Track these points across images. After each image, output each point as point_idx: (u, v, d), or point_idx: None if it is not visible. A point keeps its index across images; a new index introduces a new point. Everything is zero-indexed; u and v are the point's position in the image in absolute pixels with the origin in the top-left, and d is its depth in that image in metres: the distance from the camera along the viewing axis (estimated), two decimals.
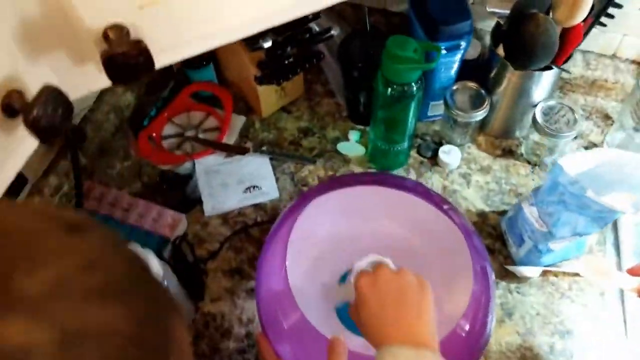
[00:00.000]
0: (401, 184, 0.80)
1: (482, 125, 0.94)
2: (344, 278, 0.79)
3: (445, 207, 0.77)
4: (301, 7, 0.50)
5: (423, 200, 0.77)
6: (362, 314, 0.59)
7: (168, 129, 0.97)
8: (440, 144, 0.96)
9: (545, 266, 0.83)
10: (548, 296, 0.84)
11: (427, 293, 0.59)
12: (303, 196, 0.80)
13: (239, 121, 0.98)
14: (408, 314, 0.56)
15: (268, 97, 0.96)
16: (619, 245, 0.87)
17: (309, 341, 0.71)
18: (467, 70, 0.92)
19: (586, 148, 0.96)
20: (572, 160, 0.69)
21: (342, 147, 0.95)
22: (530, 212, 0.78)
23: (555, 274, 0.85)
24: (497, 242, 0.88)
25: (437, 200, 0.78)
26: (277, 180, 0.93)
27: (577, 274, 0.85)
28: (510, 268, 0.85)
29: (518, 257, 0.84)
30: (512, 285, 0.84)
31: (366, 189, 0.79)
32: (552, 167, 0.73)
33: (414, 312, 0.56)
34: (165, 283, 0.70)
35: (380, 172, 0.93)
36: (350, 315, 0.63)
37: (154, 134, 0.94)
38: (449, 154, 0.93)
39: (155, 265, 0.67)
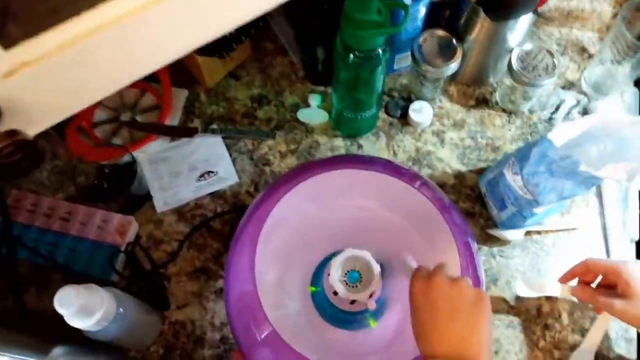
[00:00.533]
0: (371, 164, 0.71)
1: (454, 74, 0.84)
2: (317, 273, 0.72)
3: (416, 184, 0.70)
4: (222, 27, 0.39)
5: (396, 179, 0.70)
6: (414, 320, 0.56)
7: (99, 115, 0.84)
8: (410, 100, 0.87)
9: (528, 227, 0.79)
10: (533, 256, 0.80)
11: (483, 308, 0.54)
12: (269, 189, 0.71)
13: (180, 95, 0.86)
14: (458, 330, 0.53)
15: (211, 65, 0.83)
16: (601, 193, 0.83)
17: (286, 355, 0.65)
18: (434, 13, 0.81)
19: (563, 87, 0.89)
20: (560, 132, 0.62)
21: (302, 114, 0.85)
22: (513, 180, 0.72)
23: (539, 232, 0.81)
24: (476, 205, 0.82)
25: (408, 177, 0.71)
26: (234, 161, 0.83)
27: (560, 230, 0.81)
28: (493, 232, 0.80)
29: (500, 220, 0.79)
30: (495, 249, 0.80)
31: (336, 173, 0.71)
32: (540, 140, 0.66)
33: (465, 329, 0.53)
34: (121, 310, 0.62)
35: (348, 155, 0.83)
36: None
37: (83, 124, 0.81)
38: (420, 112, 0.84)
39: (104, 298, 0.59)
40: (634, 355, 0.75)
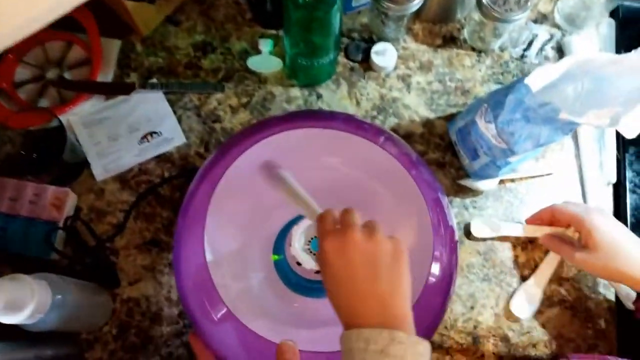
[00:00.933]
0: (332, 121, 0.64)
1: (418, 10, 0.76)
2: (279, 240, 0.66)
3: (380, 140, 0.64)
4: None
5: (358, 137, 0.64)
6: (328, 283, 0.49)
7: (21, 73, 0.74)
8: (371, 41, 0.79)
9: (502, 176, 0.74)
10: (507, 205, 0.76)
11: (402, 259, 0.49)
12: (220, 150, 0.64)
13: (113, 47, 0.75)
14: (381, 290, 0.47)
15: (143, 10, 0.73)
16: (577, 135, 0.79)
17: (246, 338, 0.60)
18: None
19: (535, 21, 0.83)
20: (537, 77, 0.56)
21: (253, 62, 0.76)
22: (485, 128, 0.66)
23: (512, 180, 0.76)
24: (447, 154, 0.77)
25: (372, 133, 0.64)
26: (179, 119, 0.75)
27: (534, 176, 0.77)
28: (464, 183, 0.75)
29: (472, 170, 0.74)
30: (467, 201, 0.76)
31: (294, 132, 0.63)
32: (516, 85, 0.59)
33: (388, 288, 0.47)
34: (59, 297, 0.55)
35: (306, 111, 0.76)
36: (318, 260, 0.51)
37: (3, 85, 0.71)
38: (384, 55, 0.77)
39: (34, 289, 0.52)
40: (612, 297, 0.73)
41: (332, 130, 0.64)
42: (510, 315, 0.71)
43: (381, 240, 0.48)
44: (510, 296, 0.72)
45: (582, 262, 0.64)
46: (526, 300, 0.72)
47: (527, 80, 0.56)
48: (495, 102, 0.63)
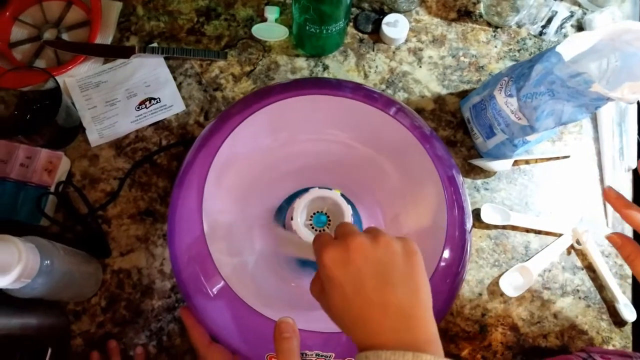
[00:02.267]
0: (339, 89, 0.61)
1: None
2: (279, 215, 0.63)
3: (392, 111, 0.60)
4: None
5: (368, 106, 0.60)
6: (335, 303, 0.43)
7: (17, 33, 0.71)
8: (382, 12, 0.75)
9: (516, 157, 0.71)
10: (521, 188, 0.72)
11: (417, 263, 0.42)
12: (220, 119, 0.61)
13: (113, 9, 0.72)
14: (397, 299, 0.40)
15: None
16: (596, 117, 0.75)
17: (241, 313, 0.57)
18: None
19: None
20: (570, 45, 0.52)
21: (258, 30, 0.73)
22: (505, 103, 0.62)
23: (527, 161, 0.73)
24: (458, 132, 0.73)
25: (382, 103, 0.61)
26: (179, 86, 0.72)
27: (551, 159, 0.73)
28: (477, 163, 0.71)
29: (485, 149, 0.70)
30: (479, 182, 0.72)
31: (297, 99, 0.60)
32: (545, 54, 0.55)
33: (405, 295, 0.41)
34: (47, 262, 0.52)
35: (312, 78, 0.72)
36: (312, 291, 0.46)
37: None
38: (395, 27, 0.73)
39: (22, 251, 0.49)
40: (629, 294, 0.69)
41: (339, 98, 0.61)
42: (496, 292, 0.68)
43: (389, 242, 0.42)
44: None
45: None
46: (516, 280, 0.68)
47: (559, 48, 0.52)
48: (519, 74, 0.59)
